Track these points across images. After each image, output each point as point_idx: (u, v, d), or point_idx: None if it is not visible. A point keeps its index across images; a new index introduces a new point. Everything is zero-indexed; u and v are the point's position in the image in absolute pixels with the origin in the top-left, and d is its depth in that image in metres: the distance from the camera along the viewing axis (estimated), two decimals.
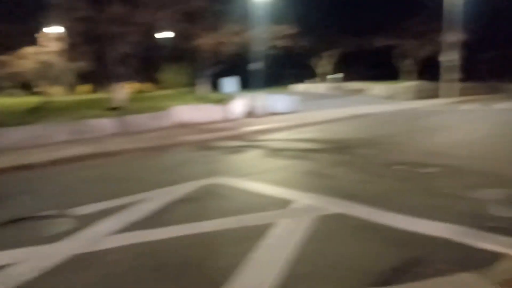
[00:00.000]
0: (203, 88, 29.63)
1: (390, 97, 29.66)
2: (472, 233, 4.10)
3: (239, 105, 19.09)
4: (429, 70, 38.29)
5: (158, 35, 30.06)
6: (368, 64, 52.40)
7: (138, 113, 15.70)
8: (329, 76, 49.43)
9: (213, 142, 12.02)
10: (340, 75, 48.66)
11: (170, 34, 29.84)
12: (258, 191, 6.12)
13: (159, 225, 4.83)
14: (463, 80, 33.86)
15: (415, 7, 35.01)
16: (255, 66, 29.41)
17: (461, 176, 6.54)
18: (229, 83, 23.81)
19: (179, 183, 6.89)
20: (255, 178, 7.05)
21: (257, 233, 4.40)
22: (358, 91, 34.37)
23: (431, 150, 9.12)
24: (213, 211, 5.30)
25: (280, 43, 27.44)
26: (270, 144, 11.25)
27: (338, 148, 9.90)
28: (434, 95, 29.99)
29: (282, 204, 5.40)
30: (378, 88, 32.74)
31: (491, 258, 3.55)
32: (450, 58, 29.86)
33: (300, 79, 51.04)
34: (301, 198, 5.62)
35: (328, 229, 4.53)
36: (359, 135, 12.20)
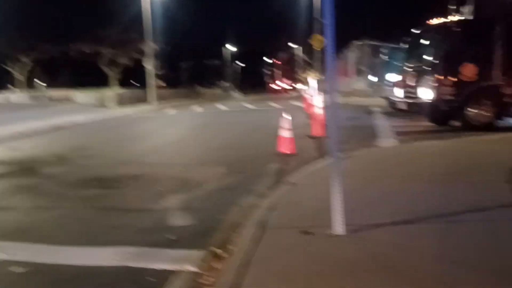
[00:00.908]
0: None
1: (99, 105, 28.72)
2: (150, 253, 3.86)
3: None
4: (136, 77, 39.52)
5: None
6: (76, 71, 49.51)
7: None
8: (35, 84, 43.94)
9: None
10: (44, 83, 44.07)
11: None
12: None
13: None
14: (168, 86, 36.55)
15: (116, 16, 35.36)
16: None
17: (152, 185, 6.50)
18: None
19: None
20: None
21: None
22: (65, 100, 31.93)
23: (130, 160, 8.97)
24: None
25: None
26: None
27: (25, 170, 8.39)
28: (142, 101, 30.96)
29: None
30: (87, 95, 31.28)
31: (166, 278, 3.36)
32: (151, 66, 31.53)
33: None
34: None
35: None
36: (56, 150, 10.86)
